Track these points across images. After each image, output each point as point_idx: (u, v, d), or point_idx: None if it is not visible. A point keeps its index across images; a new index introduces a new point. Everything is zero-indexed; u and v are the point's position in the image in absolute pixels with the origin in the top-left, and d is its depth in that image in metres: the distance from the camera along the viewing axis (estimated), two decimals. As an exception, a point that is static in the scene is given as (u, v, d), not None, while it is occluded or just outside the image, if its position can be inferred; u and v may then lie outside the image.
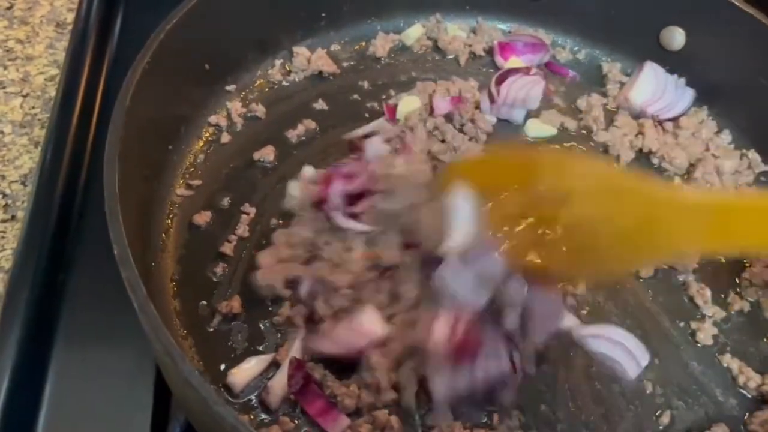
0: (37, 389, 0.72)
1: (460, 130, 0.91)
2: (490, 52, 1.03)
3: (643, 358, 0.73)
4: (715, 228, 0.59)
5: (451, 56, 1.02)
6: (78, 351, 0.74)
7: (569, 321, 0.74)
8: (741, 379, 0.75)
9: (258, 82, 0.94)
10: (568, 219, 0.62)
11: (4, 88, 1.01)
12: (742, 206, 0.61)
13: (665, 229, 0.60)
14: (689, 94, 0.98)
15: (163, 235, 0.78)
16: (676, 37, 0.99)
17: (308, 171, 0.80)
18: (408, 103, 0.92)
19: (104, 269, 0.76)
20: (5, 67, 1.03)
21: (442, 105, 0.92)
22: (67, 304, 0.78)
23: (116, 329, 0.75)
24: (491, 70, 1.01)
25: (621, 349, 0.73)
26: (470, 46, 1.03)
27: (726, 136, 0.96)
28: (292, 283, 0.71)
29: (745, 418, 0.73)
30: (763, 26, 0.90)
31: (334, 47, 1.00)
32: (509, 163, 0.70)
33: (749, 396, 0.75)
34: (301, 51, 0.96)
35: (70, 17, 1.10)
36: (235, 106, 0.90)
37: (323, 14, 0.98)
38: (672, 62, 0.99)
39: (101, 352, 0.74)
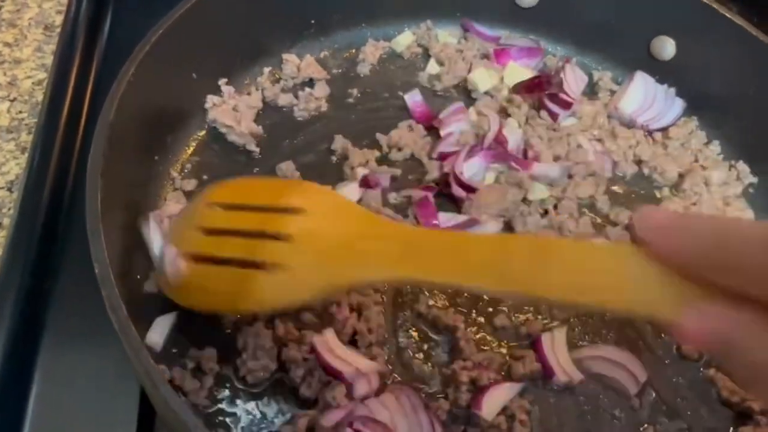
0: (22, 397, 0.71)
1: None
2: (482, 58, 1.03)
3: (642, 374, 0.74)
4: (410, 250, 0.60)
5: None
6: (63, 359, 0.74)
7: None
8: (725, 393, 0.75)
9: (247, 90, 0.94)
10: (293, 227, 0.64)
11: (-10, 92, 1.00)
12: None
13: (375, 248, 0.61)
14: (679, 104, 0.98)
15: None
16: (666, 47, 0.98)
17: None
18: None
19: (90, 277, 0.77)
20: (-8, 71, 1.03)
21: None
22: (53, 312, 0.77)
23: (102, 337, 0.73)
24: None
25: (621, 369, 0.73)
26: (461, 52, 1.02)
27: (715, 147, 0.96)
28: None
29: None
30: (753, 38, 0.90)
31: (324, 54, 0.99)
32: (254, 186, 0.73)
33: (734, 411, 0.75)
34: (290, 58, 0.95)
35: (59, 20, 1.09)
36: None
37: (312, 21, 0.97)
38: (662, 72, 0.99)
39: (87, 360, 0.73)
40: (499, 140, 0.89)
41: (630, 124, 0.97)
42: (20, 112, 0.99)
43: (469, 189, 0.84)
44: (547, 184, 0.87)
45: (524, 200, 0.86)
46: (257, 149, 0.88)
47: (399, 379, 0.70)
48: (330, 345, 0.67)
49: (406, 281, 0.71)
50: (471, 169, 0.86)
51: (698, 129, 0.98)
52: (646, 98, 0.97)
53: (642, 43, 1.00)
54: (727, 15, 0.91)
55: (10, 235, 0.81)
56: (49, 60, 1.04)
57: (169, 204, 0.79)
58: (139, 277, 0.74)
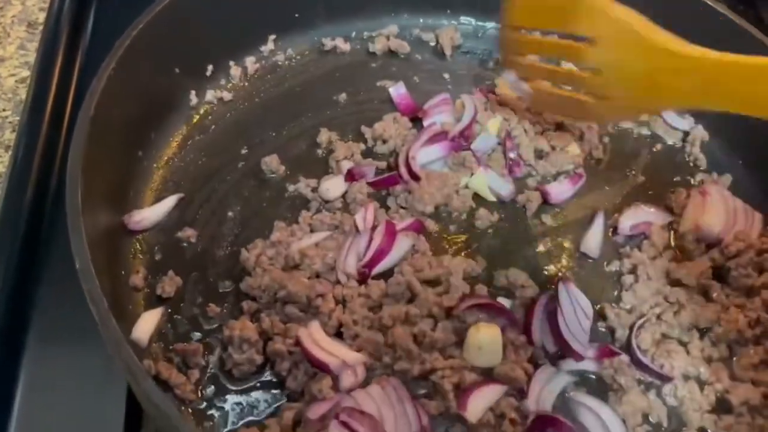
0: (7, 399, 0.71)
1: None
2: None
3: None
4: (710, 83, 0.71)
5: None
6: (49, 358, 0.74)
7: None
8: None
9: (229, 84, 0.93)
10: (592, 60, 0.79)
11: (-26, 90, 1.00)
12: (737, 63, 0.70)
13: (668, 79, 0.74)
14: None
15: (136, 242, 0.77)
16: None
17: None
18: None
19: (75, 275, 0.77)
20: (-25, 69, 1.02)
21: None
22: (37, 311, 0.77)
23: (87, 337, 0.73)
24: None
25: (601, 426, 0.70)
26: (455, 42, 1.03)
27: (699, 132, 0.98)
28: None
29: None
30: (737, 26, 0.90)
31: (306, 47, 0.99)
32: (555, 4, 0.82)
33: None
34: (270, 52, 0.96)
35: (42, 17, 1.09)
36: (207, 109, 0.89)
37: (296, 15, 0.97)
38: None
39: (72, 360, 0.73)
40: (466, 135, 0.89)
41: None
42: (4, 110, 0.98)
43: (415, 176, 0.84)
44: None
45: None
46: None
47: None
48: (315, 337, 0.67)
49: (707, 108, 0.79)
50: (426, 156, 0.86)
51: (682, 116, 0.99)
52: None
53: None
54: (710, 3, 0.92)
55: (-6, 232, 0.81)
56: (32, 58, 1.03)
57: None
58: (123, 272, 0.73)
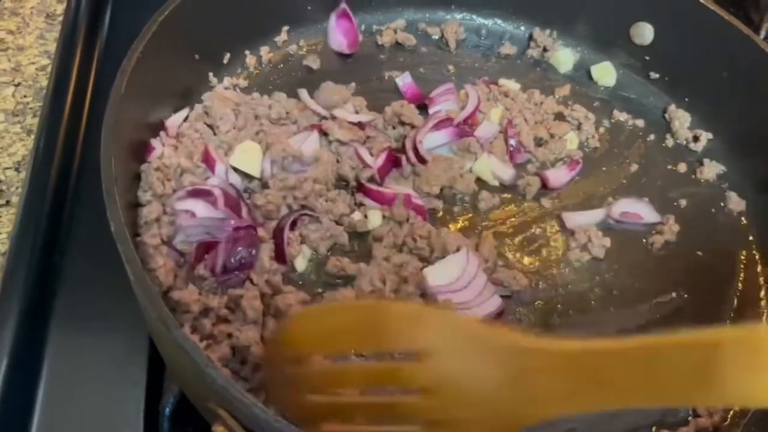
0: (34, 367, 0.75)
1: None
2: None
3: None
4: (588, 379, 0.50)
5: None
6: (74, 329, 0.77)
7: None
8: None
9: (245, 72, 0.97)
10: (426, 380, 0.54)
11: (-5, 77, 1.04)
12: (615, 350, 0.49)
13: (535, 383, 0.51)
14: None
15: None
16: (645, 33, 1.04)
17: None
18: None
19: (97, 251, 0.81)
20: (-4, 57, 1.06)
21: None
22: (63, 285, 0.80)
23: (110, 308, 0.78)
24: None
25: None
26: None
27: (686, 121, 1.02)
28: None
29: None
30: (726, 23, 0.94)
31: (317, 39, 1.03)
32: (354, 316, 0.58)
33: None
34: (283, 42, 1.00)
35: (60, 8, 1.13)
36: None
37: (309, 8, 1.01)
38: (641, 55, 1.05)
39: (96, 331, 0.77)
40: (470, 122, 0.93)
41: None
42: (25, 96, 1.02)
43: (422, 160, 0.88)
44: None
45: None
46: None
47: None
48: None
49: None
50: (432, 141, 0.90)
51: (676, 108, 1.03)
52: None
53: (622, 28, 1.05)
54: (702, 1, 0.96)
55: (19, 212, 0.84)
56: (51, 47, 1.07)
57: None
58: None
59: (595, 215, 0.90)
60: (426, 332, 0.53)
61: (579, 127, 0.99)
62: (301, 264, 0.79)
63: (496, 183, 0.91)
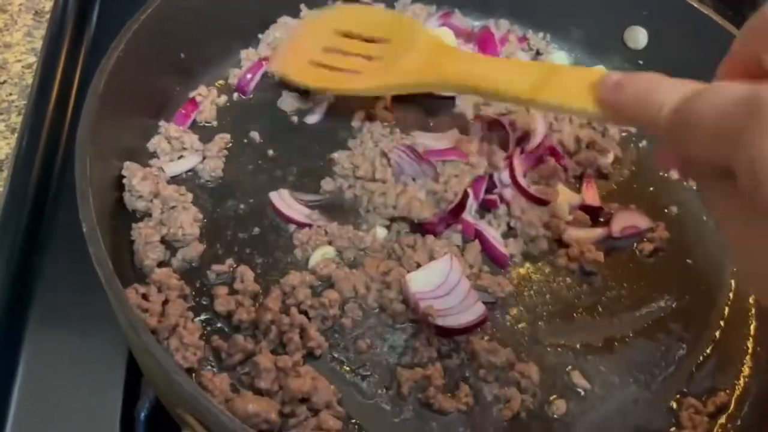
0: (10, 367, 0.74)
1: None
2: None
3: None
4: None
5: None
6: (52, 330, 0.76)
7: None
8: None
9: (237, 69, 0.95)
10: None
11: (-19, 75, 1.02)
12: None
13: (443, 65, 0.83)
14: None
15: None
16: (639, 37, 1.03)
17: None
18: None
19: (77, 252, 0.79)
20: (-18, 55, 1.05)
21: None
22: (41, 285, 0.80)
23: (89, 309, 0.76)
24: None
25: None
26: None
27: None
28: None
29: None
30: (720, 28, 0.93)
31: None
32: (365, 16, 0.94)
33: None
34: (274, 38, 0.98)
35: (48, 5, 1.12)
36: (211, 94, 0.91)
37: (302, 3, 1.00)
38: (635, 59, 1.03)
39: (74, 332, 0.76)
40: None
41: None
42: (10, 94, 1.01)
43: None
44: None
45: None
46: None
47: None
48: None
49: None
50: None
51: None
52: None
53: (616, 32, 1.04)
54: (695, 5, 0.95)
55: (0, 211, 0.83)
56: (38, 44, 1.06)
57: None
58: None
59: (595, 233, 0.87)
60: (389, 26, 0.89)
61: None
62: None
63: None
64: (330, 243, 0.79)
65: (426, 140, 0.89)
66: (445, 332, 0.72)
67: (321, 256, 0.78)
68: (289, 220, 0.80)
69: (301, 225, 0.80)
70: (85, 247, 0.77)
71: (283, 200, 0.81)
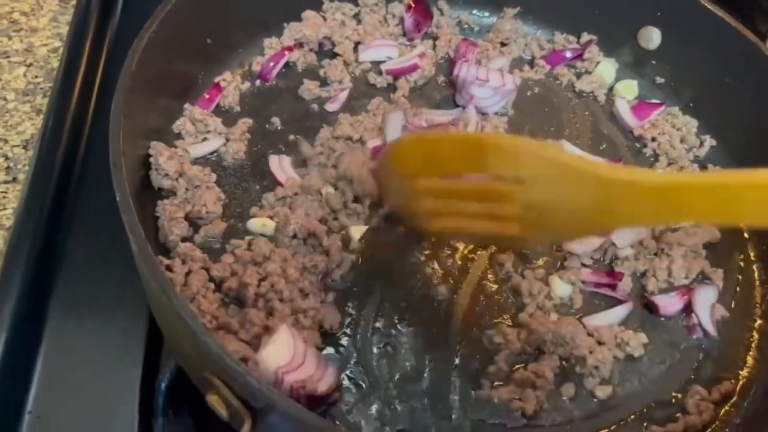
0: (35, 340, 0.75)
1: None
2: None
3: None
4: (666, 205, 0.60)
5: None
6: (74, 308, 0.78)
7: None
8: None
9: (260, 56, 0.97)
10: (522, 199, 0.64)
11: (8, 57, 1.05)
12: (693, 185, 0.60)
13: (620, 207, 0.61)
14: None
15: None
16: (652, 37, 1.04)
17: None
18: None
19: (100, 232, 0.82)
20: (10, 38, 1.07)
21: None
22: (65, 264, 0.81)
23: (111, 289, 0.79)
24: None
25: None
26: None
27: (693, 127, 1.02)
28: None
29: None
30: (732, 29, 0.95)
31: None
32: (457, 146, 0.67)
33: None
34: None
35: (73, -8, 1.14)
36: (235, 80, 0.94)
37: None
38: (649, 59, 1.05)
39: (96, 311, 0.78)
40: None
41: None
42: (36, 76, 1.03)
43: None
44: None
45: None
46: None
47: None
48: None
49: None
50: None
51: (681, 113, 1.03)
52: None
53: (630, 32, 1.06)
54: (709, 7, 0.97)
55: (25, 188, 0.86)
56: (64, 30, 1.09)
57: None
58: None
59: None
60: (524, 162, 0.62)
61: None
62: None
63: None
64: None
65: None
66: (318, 400, 0.66)
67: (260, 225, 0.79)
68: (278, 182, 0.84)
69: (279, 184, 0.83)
70: (107, 227, 0.81)
71: (280, 166, 0.85)
